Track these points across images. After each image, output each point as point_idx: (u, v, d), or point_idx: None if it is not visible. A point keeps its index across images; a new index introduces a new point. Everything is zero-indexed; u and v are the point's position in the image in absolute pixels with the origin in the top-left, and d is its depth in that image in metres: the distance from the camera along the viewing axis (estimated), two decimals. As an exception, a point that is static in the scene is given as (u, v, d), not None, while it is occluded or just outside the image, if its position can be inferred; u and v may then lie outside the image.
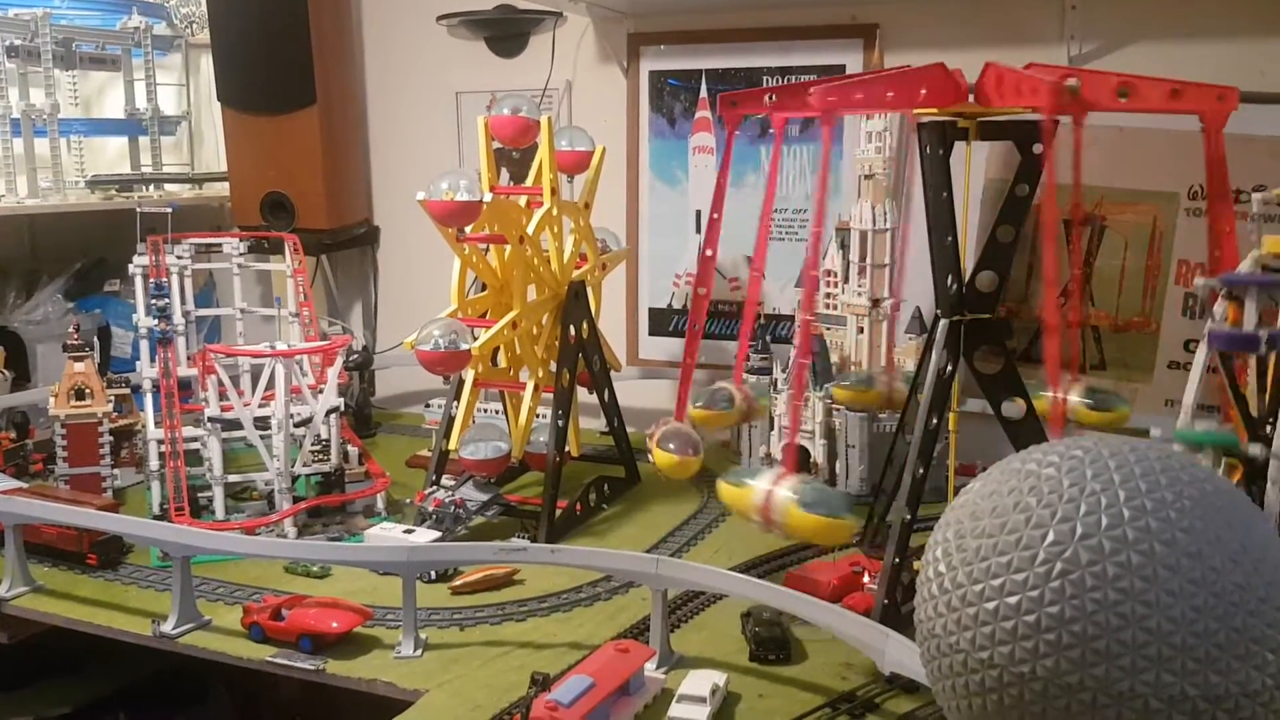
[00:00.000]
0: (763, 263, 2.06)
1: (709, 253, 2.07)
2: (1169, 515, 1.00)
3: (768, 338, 2.88)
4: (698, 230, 3.16)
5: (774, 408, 2.72)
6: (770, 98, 1.91)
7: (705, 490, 2.67)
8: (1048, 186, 1.80)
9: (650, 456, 2.15)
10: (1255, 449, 1.61)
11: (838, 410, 2.63)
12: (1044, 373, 1.79)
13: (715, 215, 2.00)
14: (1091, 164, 2.43)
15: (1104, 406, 2.02)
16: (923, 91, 1.78)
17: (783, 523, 1.68)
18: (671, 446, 2.06)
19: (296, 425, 2.47)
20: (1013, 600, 1.02)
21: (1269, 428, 1.61)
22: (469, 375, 2.49)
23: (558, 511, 2.43)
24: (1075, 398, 1.99)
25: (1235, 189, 2.39)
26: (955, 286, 1.93)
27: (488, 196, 2.30)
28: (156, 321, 2.61)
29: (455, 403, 2.52)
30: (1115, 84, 1.76)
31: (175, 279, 2.79)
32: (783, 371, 2.73)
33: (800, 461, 2.72)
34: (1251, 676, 0.97)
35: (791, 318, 2.93)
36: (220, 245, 3.03)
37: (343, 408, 2.62)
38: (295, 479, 2.48)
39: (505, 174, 2.83)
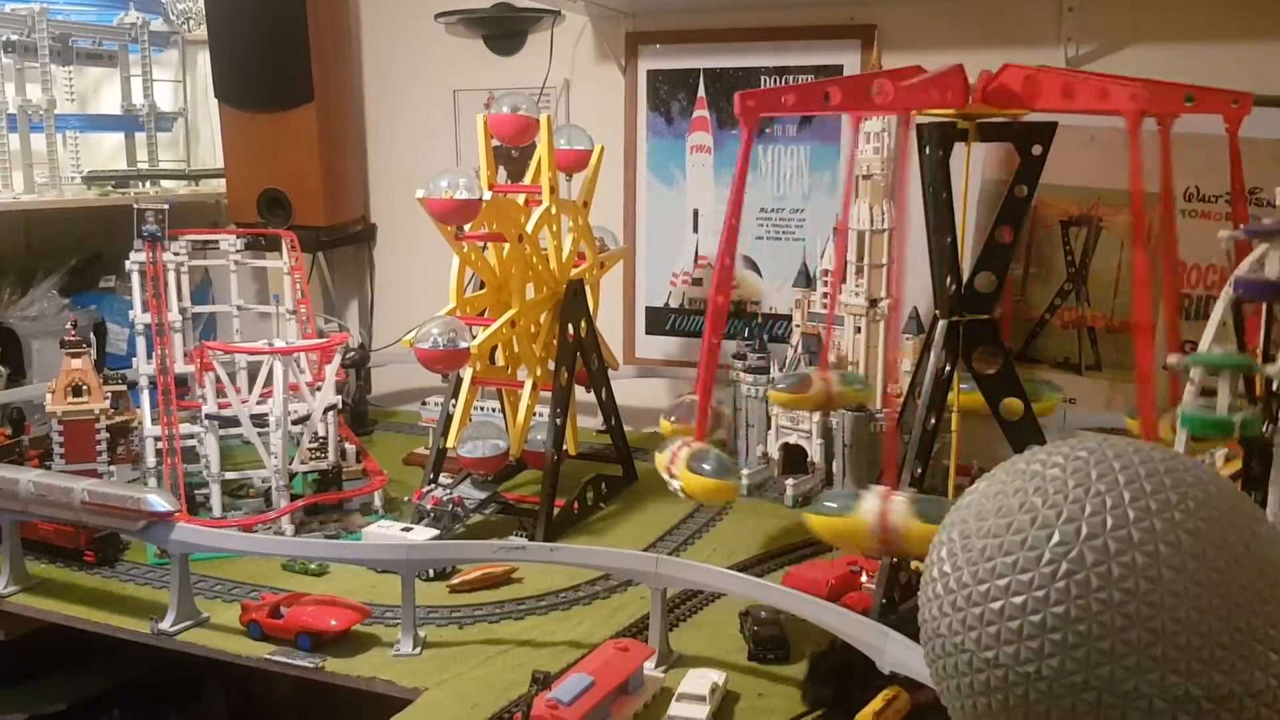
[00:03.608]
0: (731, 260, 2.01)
1: (726, 261, 2.01)
2: (1173, 516, 1.01)
3: (765, 336, 2.89)
4: (695, 229, 3.16)
5: (771, 407, 2.73)
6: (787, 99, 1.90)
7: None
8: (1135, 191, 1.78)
9: (674, 484, 2.06)
10: (1272, 369, 1.59)
11: (835, 410, 2.64)
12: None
13: (734, 221, 1.97)
14: (1086, 165, 2.45)
15: (1033, 396, 2.04)
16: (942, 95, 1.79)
17: None
18: (707, 469, 2.00)
19: (294, 423, 2.47)
20: (1018, 600, 1.02)
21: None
22: (467, 373, 2.49)
23: (556, 510, 2.43)
24: None
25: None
26: (954, 287, 1.93)
27: (487, 195, 2.30)
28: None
29: (453, 401, 2.52)
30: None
31: (172, 276, 2.78)
32: (779, 370, 2.74)
33: (797, 461, 2.73)
34: (1256, 676, 0.98)
35: (788, 316, 2.93)
36: (217, 242, 3.02)
37: (340, 405, 2.61)
38: (293, 476, 2.48)
39: (503, 172, 2.84)
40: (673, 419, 2.27)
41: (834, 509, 1.74)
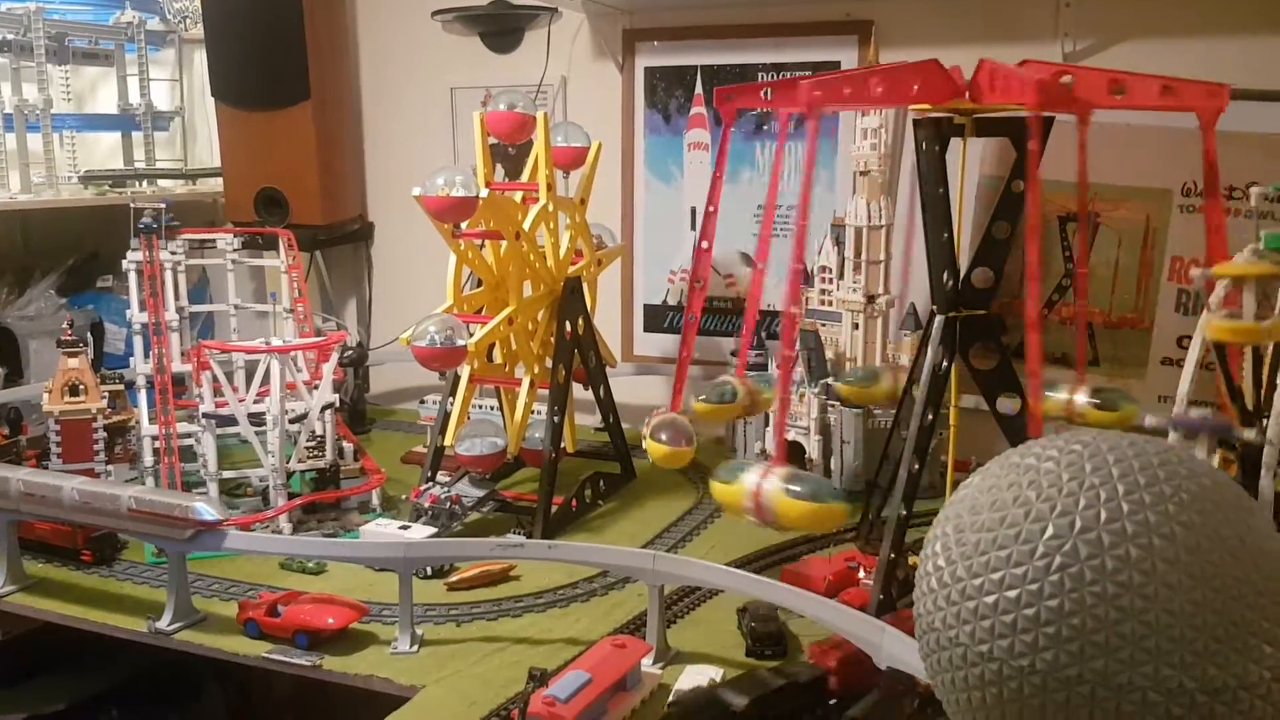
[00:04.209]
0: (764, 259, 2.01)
1: (704, 245, 2.06)
2: (1167, 509, 1.01)
3: (763, 334, 2.88)
4: (693, 227, 3.16)
5: (775, 401, 2.73)
6: (766, 93, 1.91)
7: (700, 486, 2.68)
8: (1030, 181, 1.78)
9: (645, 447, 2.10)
10: (1251, 433, 1.61)
11: (832, 406, 2.64)
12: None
13: (711, 209, 1.99)
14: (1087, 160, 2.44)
15: (1110, 406, 2.00)
16: (916, 88, 1.78)
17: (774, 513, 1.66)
18: (664, 437, 2.02)
19: (291, 421, 2.47)
20: (1012, 594, 1.02)
21: (1264, 419, 1.62)
22: (465, 371, 2.48)
23: (554, 507, 2.43)
24: (1082, 399, 1.99)
25: (1228, 186, 2.41)
26: (951, 283, 1.93)
27: (484, 192, 2.30)
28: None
29: (451, 399, 2.52)
30: (1108, 81, 1.77)
31: (169, 275, 2.78)
32: (776, 367, 2.74)
33: (794, 456, 2.73)
34: (1250, 669, 0.98)
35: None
36: (214, 241, 3.02)
37: (338, 404, 2.61)
38: (290, 475, 2.47)
39: (500, 170, 2.83)
40: (662, 438, 2.03)
41: (722, 478, 1.75)
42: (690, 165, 3.14)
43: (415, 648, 1.91)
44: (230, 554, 2.18)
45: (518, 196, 2.55)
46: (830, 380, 2.61)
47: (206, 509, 1.98)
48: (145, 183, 3.47)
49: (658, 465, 2.08)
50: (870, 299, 2.63)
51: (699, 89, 3.09)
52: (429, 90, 3.40)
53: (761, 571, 2.14)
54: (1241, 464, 1.63)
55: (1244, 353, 1.70)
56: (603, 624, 2.01)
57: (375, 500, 2.55)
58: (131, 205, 2.79)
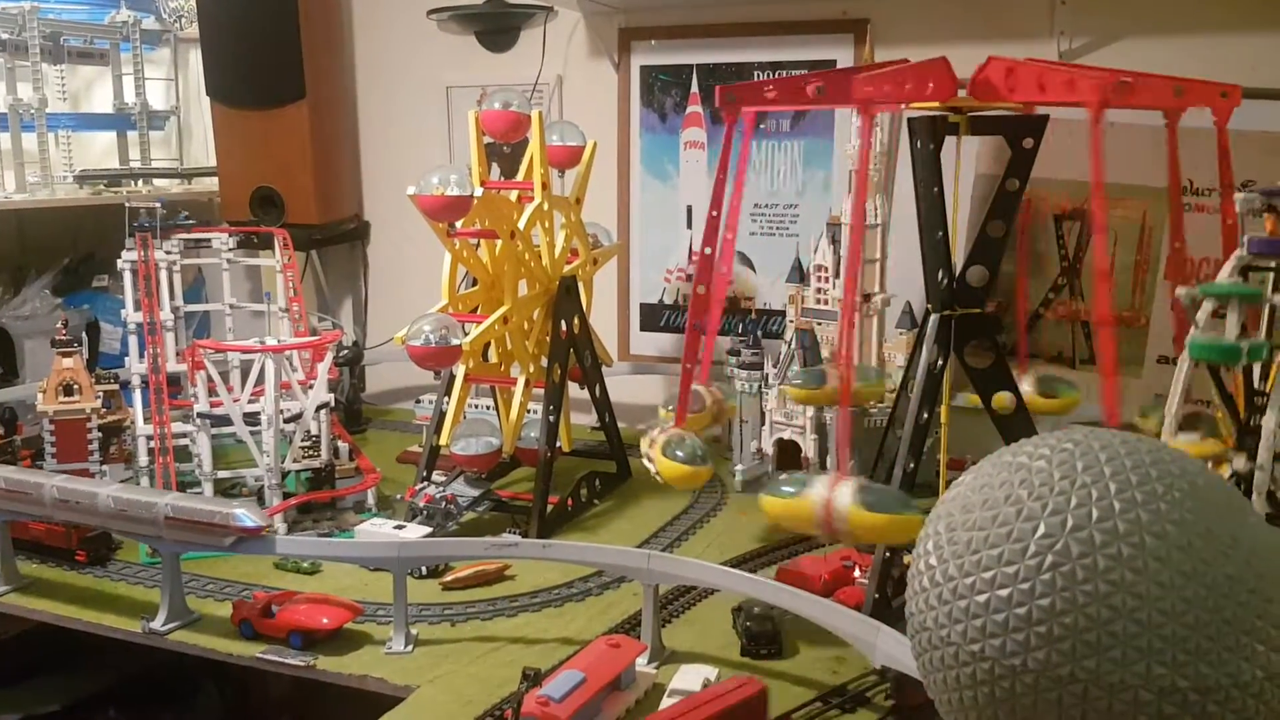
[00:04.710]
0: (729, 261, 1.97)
1: (708, 250, 2.02)
2: (1159, 508, 1.01)
3: (759, 333, 2.88)
4: (689, 225, 3.16)
5: (765, 403, 2.73)
6: (819, 89, 1.89)
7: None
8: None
9: (651, 466, 2.04)
10: (1240, 462, 1.62)
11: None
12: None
13: (714, 212, 1.97)
14: (1079, 159, 2.43)
15: (1052, 393, 2.12)
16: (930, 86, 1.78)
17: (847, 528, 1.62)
18: (680, 455, 1.98)
19: (286, 421, 2.46)
20: (1003, 593, 1.02)
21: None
22: (460, 370, 2.48)
23: (549, 507, 2.43)
24: (1026, 387, 2.07)
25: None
26: (946, 281, 1.93)
27: (478, 191, 2.30)
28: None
29: (446, 398, 2.52)
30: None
31: (164, 274, 2.78)
32: (774, 366, 2.73)
33: (791, 457, 2.72)
34: (1242, 668, 0.97)
35: (783, 312, 2.93)
36: (209, 240, 3.01)
37: (333, 403, 2.61)
38: (285, 475, 2.47)
39: (496, 169, 2.83)
40: (670, 408, 2.21)
41: (789, 492, 1.68)
42: (686, 164, 3.14)
43: (410, 647, 1.91)
44: (225, 554, 2.17)
45: (513, 195, 2.55)
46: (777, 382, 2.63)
47: (248, 515, 1.94)
48: (140, 182, 3.47)
49: (673, 486, 2.02)
50: (865, 298, 2.62)
51: (695, 88, 3.08)
52: (424, 89, 3.40)
53: (757, 571, 2.15)
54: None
55: (1234, 371, 1.70)
56: (598, 623, 2.01)
57: (370, 500, 2.55)
58: (127, 205, 2.78)
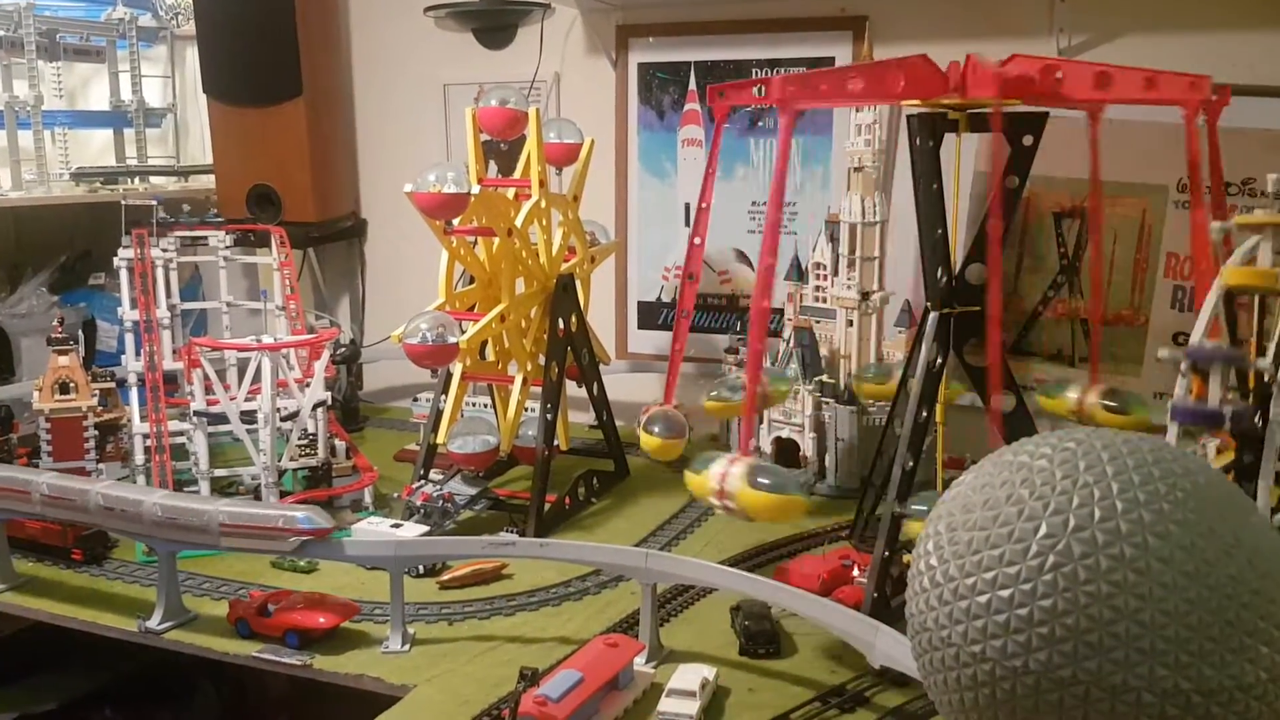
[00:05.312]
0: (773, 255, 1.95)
1: (697, 241, 2.04)
2: (1162, 508, 1.00)
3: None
4: (687, 223, 3.15)
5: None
6: (760, 89, 1.89)
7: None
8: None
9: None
10: (1263, 362, 1.59)
11: (827, 404, 2.63)
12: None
13: (704, 205, 1.98)
14: (1079, 156, 2.43)
15: (1123, 409, 2.00)
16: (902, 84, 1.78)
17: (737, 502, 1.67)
18: (657, 430, 2.05)
19: (283, 419, 2.45)
20: (1005, 593, 1.01)
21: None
22: (457, 369, 2.47)
23: (546, 505, 2.42)
24: (1094, 399, 2.02)
25: (1226, 181, 2.39)
26: (945, 279, 1.92)
27: (475, 189, 2.29)
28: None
29: (443, 396, 2.51)
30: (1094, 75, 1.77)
31: (161, 272, 2.77)
32: (772, 364, 2.73)
33: (790, 455, 2.72)
34: (1245, 669, 0.97)
35: (782, 310, 2.92)
36: (206, 238, 3.00)
37: (330, 401, 2.60)
38: (282, 473, 2.46)
39: (493, 166, 2.82)
40: (655, 430, 2.06)
41: (697, 468, 1.74)
42: (684, 161, 3.13)
43: (407, 647, 1.90)
44: (221, 553, 2.17)
45: (510, 193, 2.54)
46: (823, 378, 2.61)
47: (312, 518, 1.90)
48: (137, 180, 3.46)
49: (651, 457, 2.10)
50: (864, 295, 2.62)
51: (693, 85, 3.08)
52: (421, 86, 3.39)
53: (755, 570, 2.14)
54: (1238, 462, 1.62)
55: (1252, 308, 1.69)
56: (595, 623, 2.00)
57: (367, 498, 2.54)
58: (123, 202, 2.77)
